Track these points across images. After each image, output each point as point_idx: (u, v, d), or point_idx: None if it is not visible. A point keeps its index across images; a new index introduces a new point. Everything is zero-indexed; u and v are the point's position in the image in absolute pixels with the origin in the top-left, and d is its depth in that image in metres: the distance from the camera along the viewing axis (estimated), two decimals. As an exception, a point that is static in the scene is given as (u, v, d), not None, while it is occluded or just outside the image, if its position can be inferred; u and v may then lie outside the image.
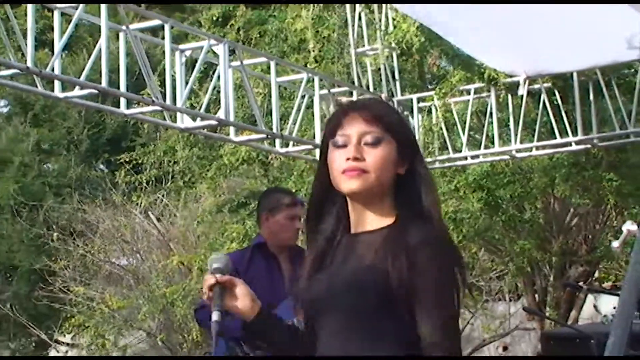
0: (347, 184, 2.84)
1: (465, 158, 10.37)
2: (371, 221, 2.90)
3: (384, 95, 10.01)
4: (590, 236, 12.96)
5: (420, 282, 2.75)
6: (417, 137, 10.21)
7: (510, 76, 9.80)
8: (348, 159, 2.82)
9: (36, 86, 7.15)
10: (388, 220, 2.89)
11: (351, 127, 2.85)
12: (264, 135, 8.86)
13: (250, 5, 12.72)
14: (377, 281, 2.77)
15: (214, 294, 2.89)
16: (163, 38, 7.83)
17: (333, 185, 2.90)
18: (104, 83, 7.05)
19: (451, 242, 2.93)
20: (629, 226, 1.79)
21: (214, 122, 8.20)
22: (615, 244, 1.79)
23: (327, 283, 2.88)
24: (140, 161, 15.36)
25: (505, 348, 18.25)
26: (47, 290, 16.40)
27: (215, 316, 2.87)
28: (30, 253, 19.00)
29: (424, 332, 2.75)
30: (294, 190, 8.94)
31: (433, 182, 2.99)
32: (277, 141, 9.12)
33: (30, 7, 6.57)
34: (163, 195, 15.75)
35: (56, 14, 6.99)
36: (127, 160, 15.61)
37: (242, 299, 2.94)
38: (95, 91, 7.15)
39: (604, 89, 9.44)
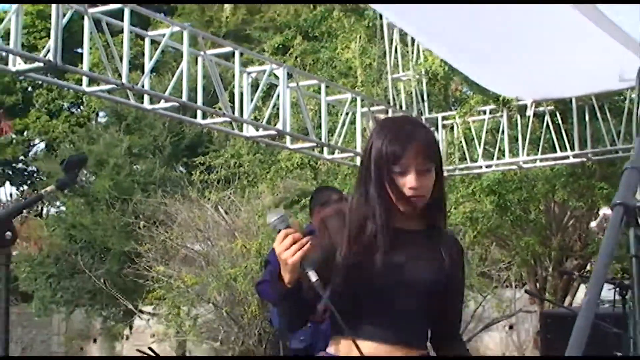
0: (407, 207, 2.81)
1: (481, 167, 10.33)
2: (412, 222, 2.89)
3: (414, 114, 10.04)
4: (584, 235, 12.90)
5: (458, 279, 2.92)
6: (441, 149, 10.29)
7: (520, 100, 9.80)
8: (411, 188, 2.78)
9: (129, 99, 7.27)
10: (424, 222, 2.91)
11: (410, 158, 2.78)
12: (314, 144, 8.90)
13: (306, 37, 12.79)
14: (442, 275, 2.83)
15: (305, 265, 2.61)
16: (234, 62, 7.93)
17: (383, 190, 2.82)
18: (184, 98, 7.12)
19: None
20: (605, 210, 1.81)
21: (273, 132, 8.26)
22: (593, 224, 1.82)
23: (407, 271, 2.83)
24: (212, 164, 15.45)
25: (511, 327, 18.18)
26: (134, 269, 16.55)
27: (314, 276, 2.59)
28: (120, 238, 19.17)
29: (454, 317, 3.00)
30: (338, 190, 8.97)
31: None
32: (325, 149, 9.16)
33: (125, 36, 6.67)
34: (230, 193, 15.80)
35: (147, 41, 7.10)
36: (202, 162, 15.67)
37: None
38: (177, 104, 7.25)
39: (598, 112, 9.40)
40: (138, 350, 5.99)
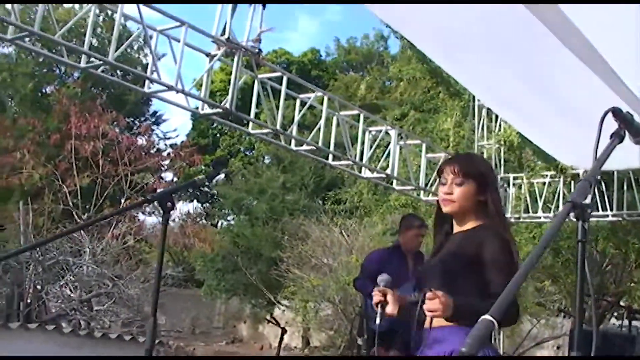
0: (443, 208, 3.02)
1: (540, 218, 10.16)
2: (462, 226, 3.02)
3: (492, 173, 10.00)
4: (618, 278, 12.48)
5: (489, 261, 2.85)
6: (510, 202, 10.19)
7: (574, 169, 9.64)
8: (445, 192, 3.00)
9: (280, 141, 7.50)
10: (472, 225, 3.00)
11: (447, 174, 3.01)
12: (413, 187, 8.98)
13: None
14: (466, 258, 2.89)
15: (380, 309, 3.05)
16: (359, 122, 8.09)
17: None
18: (320, 143, 7.35)
19: (504, 238, 2.92)
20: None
21: (383, 175, 8.35)
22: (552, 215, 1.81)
23: (438, 259, 3.02)
24: (341, 198, 15.62)
25: (558, 347, 17.56)
26: (277, 270, 16.74)
27: (377, 320, 3.11)
28: (270, 247, 19.38)
29: (493, 286, 2.82)
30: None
31: (500, 205, 3.06)
32: (422, 193, 9.22)
33: (282, 96, 6.90)
34: (352, 222, 15.92)
35: (297, 102, 7.34)
36: (334, 196, 15.87)
37: (392, 306, 3.03)
38: (314, 148, 7.45)
39: (633, 184, 9.18)
40: (265, 318, 6.12)
